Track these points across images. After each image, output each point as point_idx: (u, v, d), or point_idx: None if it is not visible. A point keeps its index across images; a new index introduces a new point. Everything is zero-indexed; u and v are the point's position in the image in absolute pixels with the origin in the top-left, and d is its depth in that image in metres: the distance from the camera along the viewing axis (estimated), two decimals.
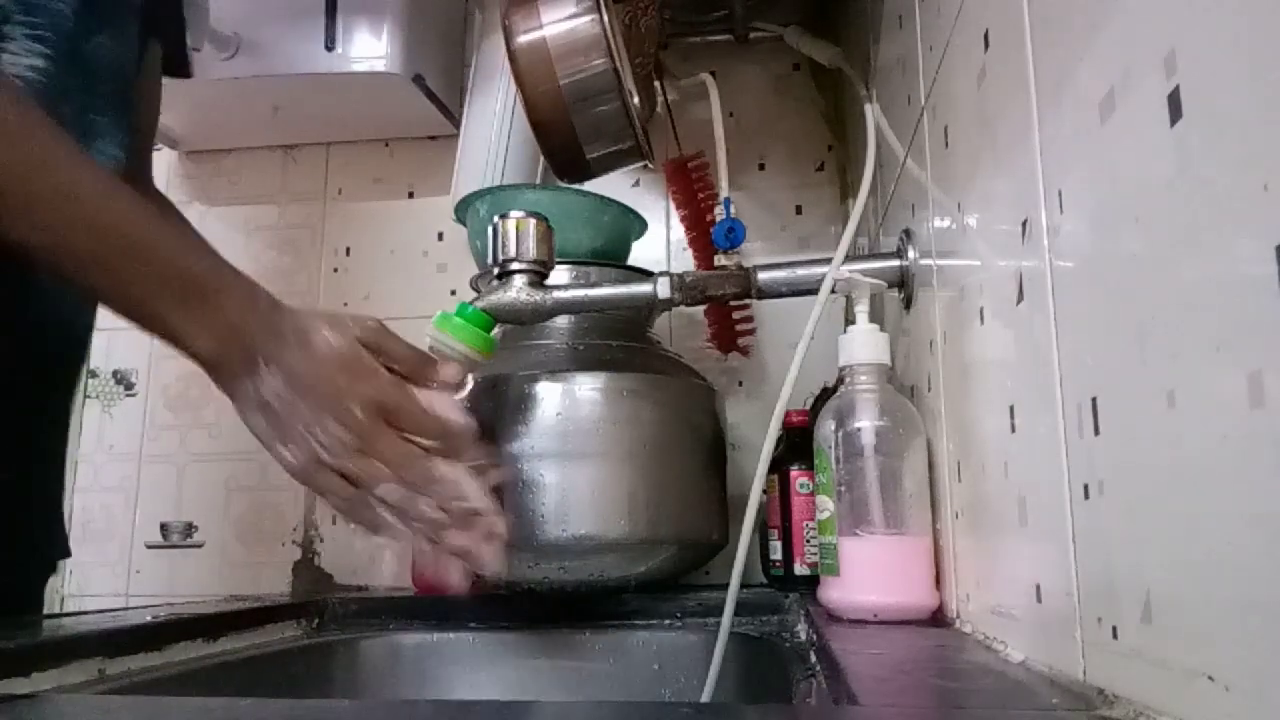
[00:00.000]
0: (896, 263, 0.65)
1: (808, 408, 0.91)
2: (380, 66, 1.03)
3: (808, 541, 0.83)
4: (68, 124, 0.57)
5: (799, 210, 1.12)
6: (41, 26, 0.62)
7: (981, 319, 0.46)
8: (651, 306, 0.73)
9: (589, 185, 0.83)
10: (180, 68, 0.81)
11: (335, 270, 1.21)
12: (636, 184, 1.15)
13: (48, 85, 0.62)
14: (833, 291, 0.63)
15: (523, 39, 0.67)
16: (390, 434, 0.53)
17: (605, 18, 0.66)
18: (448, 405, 0.56)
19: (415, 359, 0.57)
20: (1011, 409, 0.41)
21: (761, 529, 0.88)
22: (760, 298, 0.70)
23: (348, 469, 0.52)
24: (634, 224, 0.93)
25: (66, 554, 0.72)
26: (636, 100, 0.70)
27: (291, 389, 0.52)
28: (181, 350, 0.53)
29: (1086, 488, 0.32)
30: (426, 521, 0.54)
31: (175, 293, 0.52)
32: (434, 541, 0.54)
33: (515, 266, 0.68)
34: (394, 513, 0.54)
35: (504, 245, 0.68)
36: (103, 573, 1.17)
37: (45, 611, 0.73)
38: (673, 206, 1.06)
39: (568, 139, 0.69)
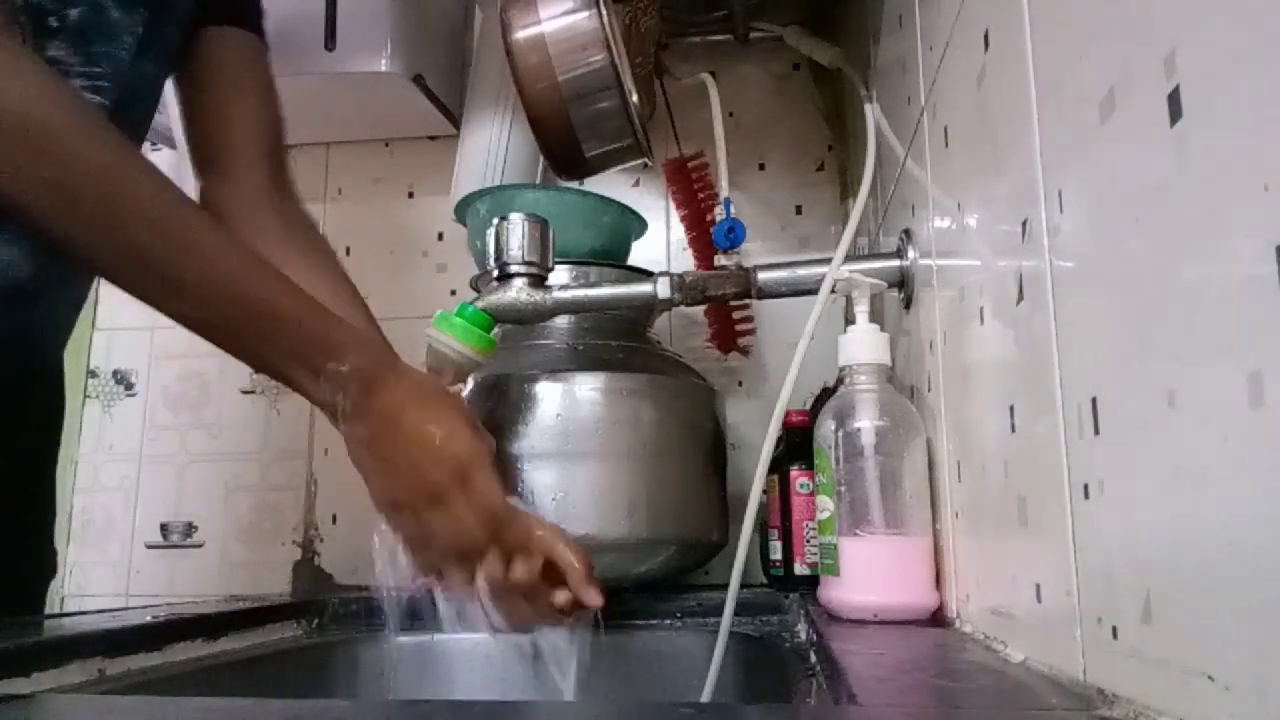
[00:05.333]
0: (896, 263, 0.65)
1: (808, 408, 0.91)
2: (380, 66, 1.03)
3: (808, 541, 0.83)
4: None
5: (799, 210, 1.12)
6: (101, 76, 0.61)
7: (981, 319, 0.46)
8: (651, 306, 0.73)
9: (589, 184, 0.83)
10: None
11: None
12: (636, 184, 1.15)
13: None
14: (833, 291, 0.63)
15: (520, 34, 0.67)
16: (464, 506, 0.57)
17: (604, 13, 0.66)
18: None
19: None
20: (1011, 409, 0.41)
21: (761, 529, 0.88)
22: (760, 298, 0.70)
23: (422, 518, 0.57)
24: (634, 224, 0.93)
25: (53, 572, 0.72)
26: (636, 98, 0.69)
27: (396, 436, 0.56)
28: (302, 395, 0.57)
29: (1086, 488, 0.32)
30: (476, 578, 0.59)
31: (302, 357, 0.55)
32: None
33: (515, 267, 0.68)
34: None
35: (504, 246, 0.68)
36: (103, 573, 1.17)
37: (45, 612, 0.73)
38: (673, 206, 1.06)
39: (566, 136, 0.69)
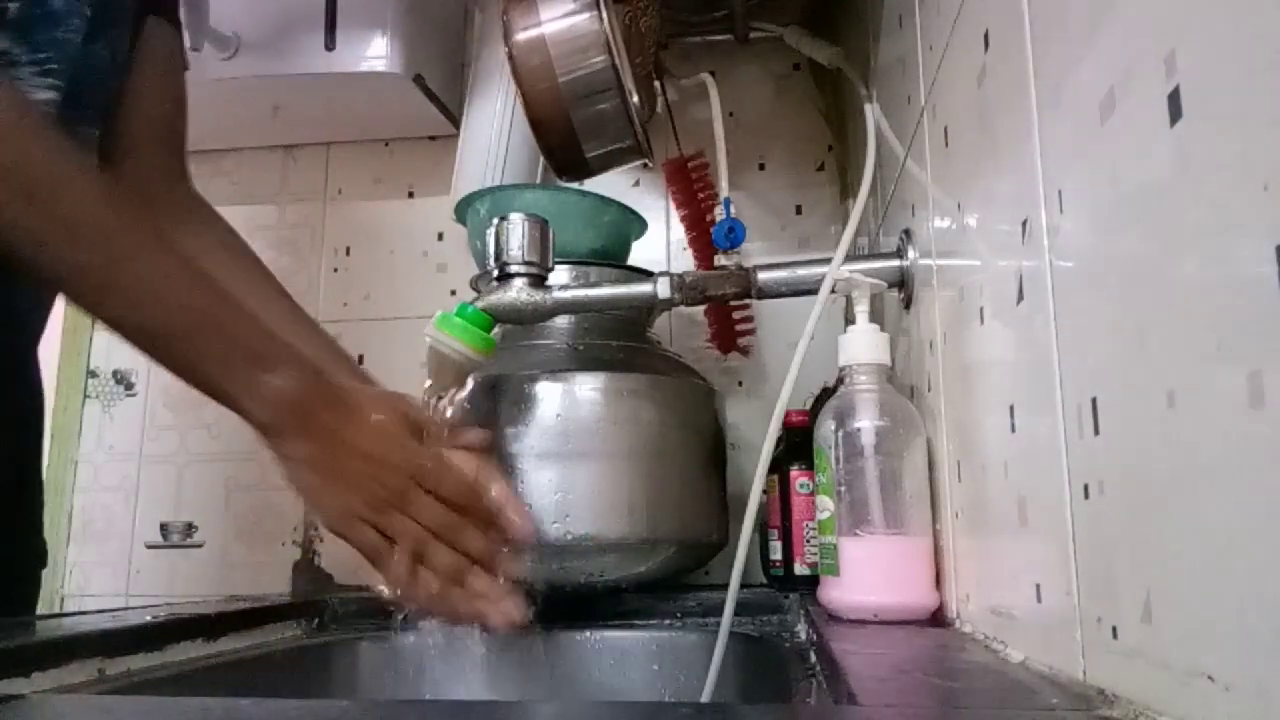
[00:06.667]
0: (896, 263, 0.65)
1: (808, 408, 0.91)
2: (380, 66, 1.03)
3: (808, 541, 0.83)
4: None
5: (799, 210, 1.12)
6: (50, 60, 0.61)
7: (981, 319, 0.46)
8: (651, 306, 0.73)
9: (589, 184, 0.83)
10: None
11: (335, 270, 1.21)
12: (636, 184, 1.15)
13: (58, 114, 0.62)
14: (833, 291, 0.63)
15: (521, 36, 0.67)
16: (424, 497, 0.57)
17: (604, 14, 0.66)
18: (480, 473, 0.60)
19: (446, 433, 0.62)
20: (1011, 409, 0.41)
21: (761, 529, 0.88)
22: (760, 298, 0.70)
23: (382, 524, 0.56)
24: (634, 224, 0.93)
25: (42, 563, 0.72)
26: (636, 99, 0.69)
27: (338, 452, 0.56)
28: (234, 411, 0.55)
29: (1086, 488, 0.32)
30: (445, 569, 0.58)
31: (236, 367, 0.54)
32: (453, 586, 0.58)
33: (515, 267, 0.68)
34: (416, 563, 0.57)
35: (504, 246, 0.68)
36: (103, 573, 1.17)
37: (42, 610, 0.73)
38: (673, 206, 1.06)
39: (566, 137, 0.69)
